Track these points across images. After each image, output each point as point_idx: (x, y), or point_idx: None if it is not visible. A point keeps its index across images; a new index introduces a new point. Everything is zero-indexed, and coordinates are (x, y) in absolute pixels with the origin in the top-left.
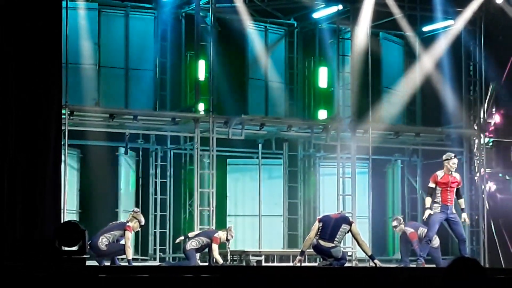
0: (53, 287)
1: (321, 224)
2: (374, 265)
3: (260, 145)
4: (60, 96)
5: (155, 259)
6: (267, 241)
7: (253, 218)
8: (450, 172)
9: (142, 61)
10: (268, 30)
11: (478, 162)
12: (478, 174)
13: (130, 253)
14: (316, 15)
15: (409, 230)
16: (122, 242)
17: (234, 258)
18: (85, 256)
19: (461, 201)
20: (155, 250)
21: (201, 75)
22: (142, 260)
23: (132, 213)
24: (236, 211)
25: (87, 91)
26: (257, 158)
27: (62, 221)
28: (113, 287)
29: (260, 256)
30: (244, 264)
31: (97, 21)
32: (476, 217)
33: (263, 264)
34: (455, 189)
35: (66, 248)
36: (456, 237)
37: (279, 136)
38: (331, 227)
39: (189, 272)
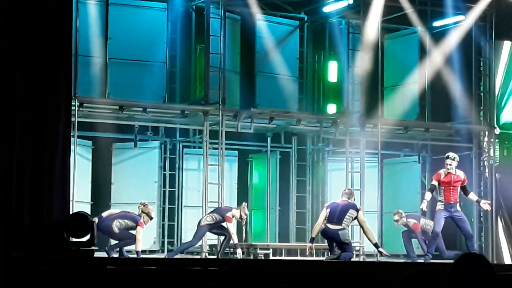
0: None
1: (328, 210)
2: (379, 254)
3: (269, 139)
4: (69, 87)
5: (163, 252)
6: (275, 235)
7: (262, 211)
8: (452, 171)
9: (152, 53)
10: (278, 23)
11: (487, 157)
12: (487, 170)
13: (140, 246)
14: (326, 9)
15: (412, 221)
16: (133, 232)
17: (242, 251)
18: (93, 247)
19: (471, 195)
20: (163, 242)
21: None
22: (150, 252)
23: (141, 207)
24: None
25: (96, 83)
26: (266, 151)
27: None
28: (121, 278)
29: (268, 249)
30: (251, 257)
31: (107, 13)
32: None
33: (271, 257)
34: (458, 188)
35: (75, 240)
36: (463, 234)
37: (288, 130)
38: (339, 211)
39: (197, 265)
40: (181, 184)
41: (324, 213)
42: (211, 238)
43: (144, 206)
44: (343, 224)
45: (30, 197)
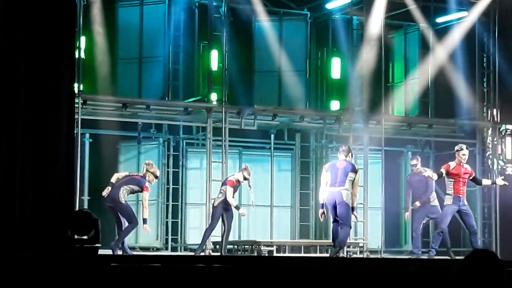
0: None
1: (328, 174)
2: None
3: (272, 136)
4: (73, 85)
5: (167, 249)
6: (278, 232)
7: (265, 208)
8: (462, 163)
9: (155, 50)
10: (281, 20)
11: (491, 153)
12: (491, 166)
13: (146, 213)
14: (329, 6)
15: (429, 172)
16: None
17: (246, 248)
18: (97, 245)
19: (484, 181)
20: (166, 240)
21: (214, 65)
22: (154, 249)
23: (146, 166)
24: (249, 201)
25: (100, 81)
26: (269, 148)
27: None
28: (125, 276)
29: (272, 246)
30: (255, 254)
31: (111, 10)
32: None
33: (275, 254)
34: (466, 181)
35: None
36: (467, 228)
37: (292, 127)
38: (339, 175)
39: (201, 262)
40: (184, 182)
41: (324, 176)
42: (214, 236)
43: (148, 165)
44: (345, 186)
45: (34, 194)
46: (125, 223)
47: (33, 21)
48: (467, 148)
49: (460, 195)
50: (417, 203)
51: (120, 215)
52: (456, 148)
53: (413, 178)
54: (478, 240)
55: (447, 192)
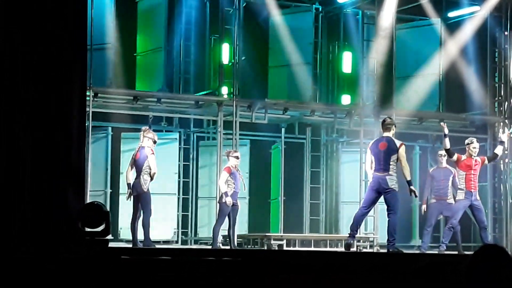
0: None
1: (373, 157)
2: (411, 191)
3: (283, 130)
4: (84, 77)
5: (177, 242)
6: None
7: (273, 202)
8: (472, 157)
9: (167, 43)
10: (292, 14)
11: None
12: (501, 161)
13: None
14: (341, 0)
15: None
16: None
17: (255, 242)
18: (108, 237)
19: (497, 150)
20: (177, 233)
21: (225, 58)
22: (164, 242)
23: (143, 133)
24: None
25: (111, 73)
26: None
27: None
28: (136, 269)
29: (282, 240)
30: (265, 248)
31: (123, 3)
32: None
33: (285, 248)
34: (477, 174)
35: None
36: (478, 223)
37: (302, 121)
38: (382, 160)
39: (210, 255)
40: (195, 175)
41: (369, 157)
42: (224, 229)
43: (145, 131)
44: (390, 172)
45: (45, 187)
46: (141, 214)
47: (33, 21)
48: (477, 142)
49: (472, 190)
50: (433, 200)
51: (140, 204)
52: (467, 141)
53: (437, 173)
54: (488, 236)
55: (459, 187)
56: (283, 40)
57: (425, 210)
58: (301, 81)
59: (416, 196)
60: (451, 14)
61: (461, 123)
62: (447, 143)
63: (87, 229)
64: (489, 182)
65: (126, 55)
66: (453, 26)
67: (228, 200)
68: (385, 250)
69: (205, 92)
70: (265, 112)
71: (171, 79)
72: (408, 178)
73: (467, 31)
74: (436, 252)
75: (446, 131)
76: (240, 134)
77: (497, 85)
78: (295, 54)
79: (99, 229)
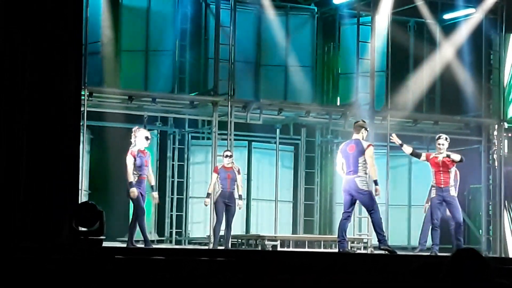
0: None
1: (343, 160)
2: (375, 190)
3: (278, 130)
4: (79, 77)
5: (171, 242)
6: (282, 226)
7: (270, 203)
8: (441, 153)
9: (162, 43)
10: (288, 15)
11: (496, 150)
12: (496, 163)
13: (152, 179)
14: (336, 1)
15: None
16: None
17: (250, 242)
18: (102, 237)
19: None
20: (171, 232)
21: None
22: (158, 242)
23: (134, 133)
24: (257, 195)
25: (106, 73)
26: (275, 143)
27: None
28: (129, 268)
29: (276, 241)
30: (259, 248)
31: (118, 3)
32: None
33: (279, 249)
34: (451, 172)
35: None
36: (453, 219)
37: (297, 122)
38: (351, 162)
39: (205, 255)
40: (189, 175)
41: (339, 160)
42: (223, 229)
43: (135, 131)
44: (358, 174)
45: (39, 186)
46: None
47: (33, 21)
48: (443, 138)
49: (442, 186)
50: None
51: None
52: (437, 137)
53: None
54: (461, 232)
55: (432, 184)
56: (278, 40)
57: (428, 209)
58: (296, 82)
59: (377, 195)
60: (447, 16)
61: (456, 125)
62: (407, 149)
63: (81, 229)
64: (483, 184)
65: (117, 54)
66: (448, 28)
67: (206, 201)
68: (379, 252)
69: (200, 92)
70: (260, 113)
71: (166, 79)
72: (375, 178)
73: (463, 33)
74: (429, 253)
75: (398, 142)
76: (234, 135)
77: (492, 87)
78: (291, 55)
79: (93, 228)
